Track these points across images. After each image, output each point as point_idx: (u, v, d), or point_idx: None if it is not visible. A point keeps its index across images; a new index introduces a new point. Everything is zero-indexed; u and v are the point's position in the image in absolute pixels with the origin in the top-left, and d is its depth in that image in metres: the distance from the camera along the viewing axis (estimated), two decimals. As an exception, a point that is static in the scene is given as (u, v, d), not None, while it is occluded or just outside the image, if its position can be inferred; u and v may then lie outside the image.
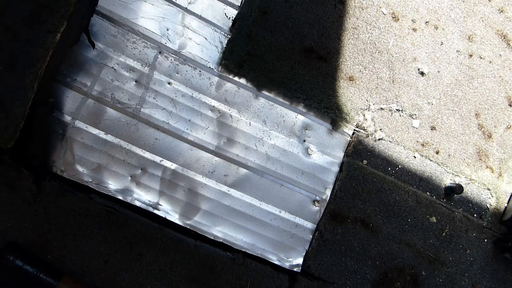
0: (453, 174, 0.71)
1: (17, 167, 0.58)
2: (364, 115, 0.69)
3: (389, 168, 0.69)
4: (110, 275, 0.60)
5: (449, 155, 0.72)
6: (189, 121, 0.66)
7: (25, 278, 0.52)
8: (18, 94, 0.57)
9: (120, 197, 0.63)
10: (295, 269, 0.66)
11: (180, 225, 0.64)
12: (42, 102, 0.62)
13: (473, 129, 0.73)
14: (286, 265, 0.66)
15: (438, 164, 0.71)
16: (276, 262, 0.66)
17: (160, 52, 0.66)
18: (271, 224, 0.66)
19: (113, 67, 0.67)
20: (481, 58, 0.74)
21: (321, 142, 0.69)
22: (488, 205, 0.72)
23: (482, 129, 0.73)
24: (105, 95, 0.63)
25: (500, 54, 0.75)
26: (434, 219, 0.69)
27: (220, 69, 0.67)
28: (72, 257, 0.59)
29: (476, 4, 0.76)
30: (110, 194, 0.63)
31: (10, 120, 0.57)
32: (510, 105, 0.74)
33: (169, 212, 0.64)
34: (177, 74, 0.66)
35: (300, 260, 0.66)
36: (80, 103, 0.64)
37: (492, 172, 0.73)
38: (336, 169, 0.69)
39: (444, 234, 0.69)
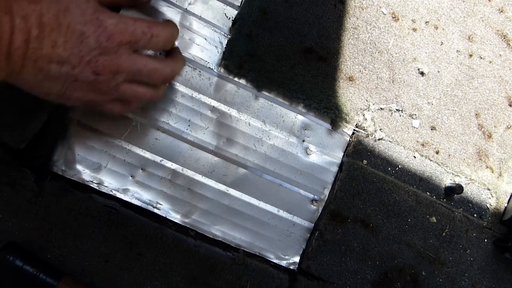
0: (453, 174, 0.71)
1: (20, 167, 0.58)
2: (364, 115, 0.69)
3: (389, 168, 0.69)
4: (110, 275, 0.60)
5: (449, 155, 0.71)
6: (189, 121, 0.66)
7: (25, 278, 0.51)
8: (41, 99, 0.56)
9: (121, 196, 0.63)
10: (291, 267, 0.66)
11: (180, 224, 0.64)
12: (57, 106, 0.62)
13: (473, 129, 0.73)
14: (283, 263, 0.66)
15: (438, 164, 0.71)
16: (274, 260, 0.66)
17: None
18: (269, 223, 0.66)
19: (113, 68, 0.67)
20: (481, 58, 0.74)
21: (320, 142, 0.69)
22: (488, 205, 0.72)
23: (482, 129, 0.73)
24: (106, 96, 0.63)
25: (500, 54, 0.75)
26: (434, 219, 0.69)
27: (220, 69, 0.67)
28: (72, 256, 0.59)
29: (476, 4, 0.75)
30: (110, 193, 0.63)
31: (30, 122, 0.57)
32: (510, 105, 0.74)
33: (169, 211, 0.64)
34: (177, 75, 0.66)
35: (297, 258, 0.66)
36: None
37: (492, 172, 0.73)
38: (335, 169, 0.69)
39: (444, 234, 0.69)
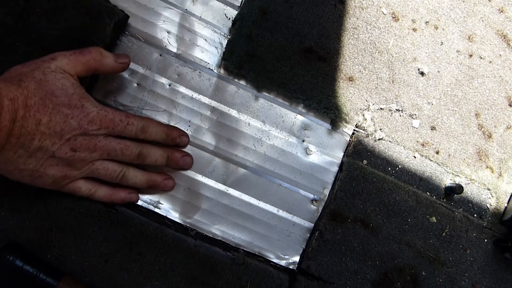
0: (453, 174, 0.71)
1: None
2: (363, 115, 0.69)
3: (389, 168, 0.69)
4: (110, 275, 0.60)
5: (449, 155, 0.71)
6: (189, 122, 0.66)
7: (25, 278, 0.51)
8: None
9: (121, 197, 0.63)
10: (291, 267, 0.66)
11: (180, 224, 0.64)
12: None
13: (473, 129, 0.73)
14: (283, 262, 0.66)
15: (438, 164, 0.71)
16: (274, 260, 0.66)
17: (160, 55, 0.66)
18: (268, 223, 0.66)
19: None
20: (481, 58, 0.74)
21: (320, 142, 0.69)
22: (488, 205, 0.72)
23: (482, 129, 0.73)
24: (108, 98, 0.63)
25: (500, 54, 0.75)
26: (434, 219, 0.69)
27: (219, 70, 0.67)
28: (72, 256, 0.58)
29: (476, 4, 0.75)
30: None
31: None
32: (510, 105, 0.74)
33: (170, 210, 0.64)
34: (177, 76, 0.66)
35: (296, 258, 0.66)
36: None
37: (492, 172, 0.73)
38: (335, 169, 0.69)
39: (444, 234, 0.69)
